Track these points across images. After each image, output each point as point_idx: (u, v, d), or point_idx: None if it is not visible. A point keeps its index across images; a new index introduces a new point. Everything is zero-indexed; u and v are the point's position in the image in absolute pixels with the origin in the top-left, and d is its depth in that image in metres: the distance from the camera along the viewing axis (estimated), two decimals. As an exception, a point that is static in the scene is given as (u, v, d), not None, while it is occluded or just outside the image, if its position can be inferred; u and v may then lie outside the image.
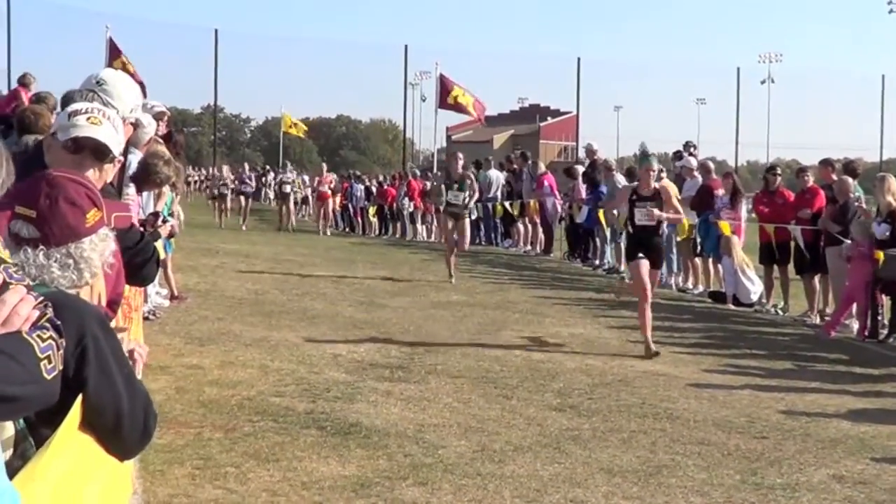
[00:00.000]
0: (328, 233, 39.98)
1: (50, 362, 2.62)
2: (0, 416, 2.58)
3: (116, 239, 3.32)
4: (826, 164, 19.48)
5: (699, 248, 21.66)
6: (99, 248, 3.13)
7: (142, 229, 6.17)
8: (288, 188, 41.70)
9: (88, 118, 4.72)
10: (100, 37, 34.12)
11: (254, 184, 47.78)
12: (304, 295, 18.60)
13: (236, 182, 44.75)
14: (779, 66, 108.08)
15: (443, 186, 21.93)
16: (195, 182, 73.87)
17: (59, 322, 2.73)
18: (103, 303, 3.58)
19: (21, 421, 2.63)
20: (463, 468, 8.43)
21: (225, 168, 51.30)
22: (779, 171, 21.34)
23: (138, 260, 5.34)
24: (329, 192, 42.02)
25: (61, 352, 2.69)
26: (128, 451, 3.15)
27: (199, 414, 9.79)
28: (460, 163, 22.35)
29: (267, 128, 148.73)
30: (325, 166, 47.78)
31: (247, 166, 49.05)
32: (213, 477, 7.94)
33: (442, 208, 22.32)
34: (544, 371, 12.57)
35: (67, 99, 6.32)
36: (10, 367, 2.47)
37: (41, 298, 2.72)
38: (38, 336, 2.60)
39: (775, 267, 19.67)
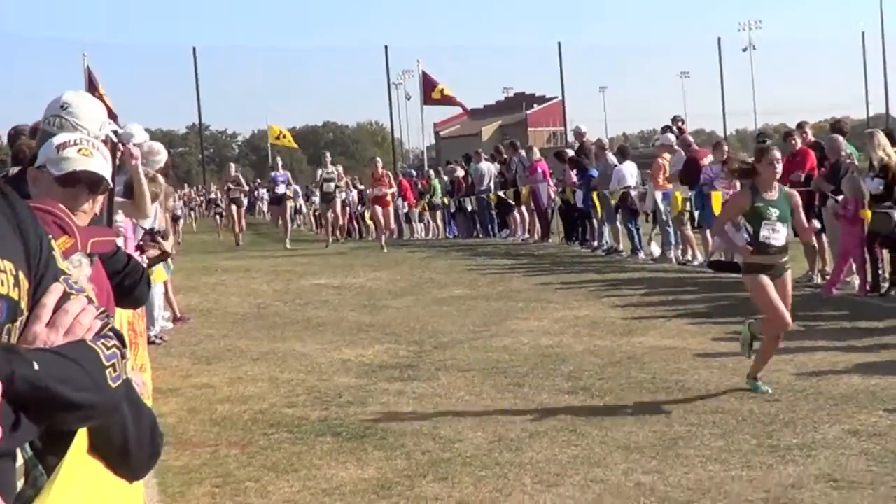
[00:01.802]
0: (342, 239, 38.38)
1: (115, 371, 2.62)
2: (67, 424, 2.58)
3: (101, 263, 3.32)
4: (799, 127, 19.66)
5: (696, 220, 21.66)
6: (73, 275, 3.13)
7: (129, 253, 6.17)
8: (332, 186, 34.92)
9: (80, 150, 4.72)
10: (78, 66, 34.16)
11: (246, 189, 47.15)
12: (307, 304, 18.60)
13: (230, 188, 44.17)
14: (759, 32, 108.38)
15: None
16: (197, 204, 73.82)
17: (121, 332, 2.74)
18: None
19: (28, 448, 2.63)
20: (481, 459, 8.44)
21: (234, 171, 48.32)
22: (768, 141, 21.41)
23: (128, 283, 5.34)
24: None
25: (125, 361, 2.70)
26: (136, 472, 3.15)
27: (213, 432, 9.80)
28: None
29: (254, 141, 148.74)
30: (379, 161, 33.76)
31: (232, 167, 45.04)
32: (234, 493, 7.94)
33: None
34: (553, 356, 12.59)
35: (35, 129, 6.32)
36: (77, 373, 2.48)
37: (102, 309, 2.73)
38: (103, 344, 2.61)
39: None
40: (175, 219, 45.67)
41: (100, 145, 4.99)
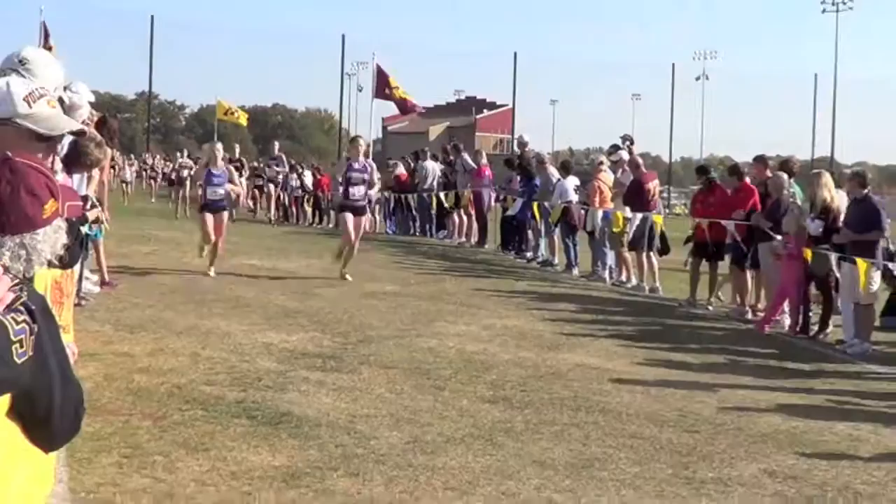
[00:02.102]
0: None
1: (22, 346, 2.56)
2: None
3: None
4: (760, 161, 19.62)
5: (632, 241, 21.70)
6: (51, 240, 3.03)
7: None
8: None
9: (49, 102, 4.53)
10: (34, 20, 33.82)
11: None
12: (237, 283, 18.47)
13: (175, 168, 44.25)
14: (714, 62, 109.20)
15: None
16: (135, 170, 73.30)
17: (33, 307, 2.65)
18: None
19: None
20: (394, 459, 8.38)
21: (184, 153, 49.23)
22: (713, 174, 21.53)
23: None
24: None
25: (34, 337, 2.62)
26: (54, 443, 3.08)
27: (127, 402, 9.68)
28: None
29: (202, 115, 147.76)
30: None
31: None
32: (141, 466, 7.85)
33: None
34: (477, 363, 12.54)
35: None
36: None
37: (17, 281, 2.65)
38: (13, 318, 2.54)
39: (704, 263, 19.78)
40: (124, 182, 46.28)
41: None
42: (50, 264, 3.02)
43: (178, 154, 44.29)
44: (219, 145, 22.23)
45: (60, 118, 4.46)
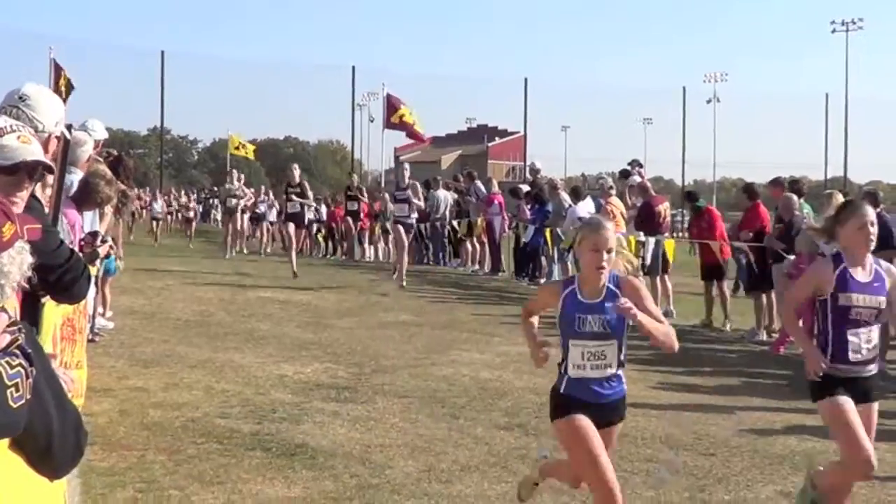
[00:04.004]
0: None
1: (17, 391, 2.55)
2: None
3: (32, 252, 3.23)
4: (776, 183, 19.60)
5: (645, 267, 21.71)
6: (17, 262, 3.04)
7: (73, 247, 6.04)
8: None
9: (19, 137, 4.60)
10: (44, 60, 33.92)
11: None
12: (251, 316, 18.47)
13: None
14: (724, 85, 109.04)
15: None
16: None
17: (30, 351, 2.65)
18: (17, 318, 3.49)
19: None
20: (410, 489, 8.37)
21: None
22: (700, 201, 22.00)
23: (68, 277, 5.23)
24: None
25: (30, 381, 2.61)
26: (58, 470, 3.08)
27: (142, 436, 9.69)
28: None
29: (214, 149, 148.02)
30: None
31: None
32: (157, 500, 7.85)
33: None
34: (492, 390, 12.53)
35: None
36: None
37: (13, 322, 2.65)
38: (7, 363, 2.53)
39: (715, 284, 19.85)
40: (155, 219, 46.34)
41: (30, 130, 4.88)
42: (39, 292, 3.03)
43: (229, 180, 40.35)
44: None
45: (17, 149, 4.50)
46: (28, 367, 2.60)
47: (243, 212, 37.52)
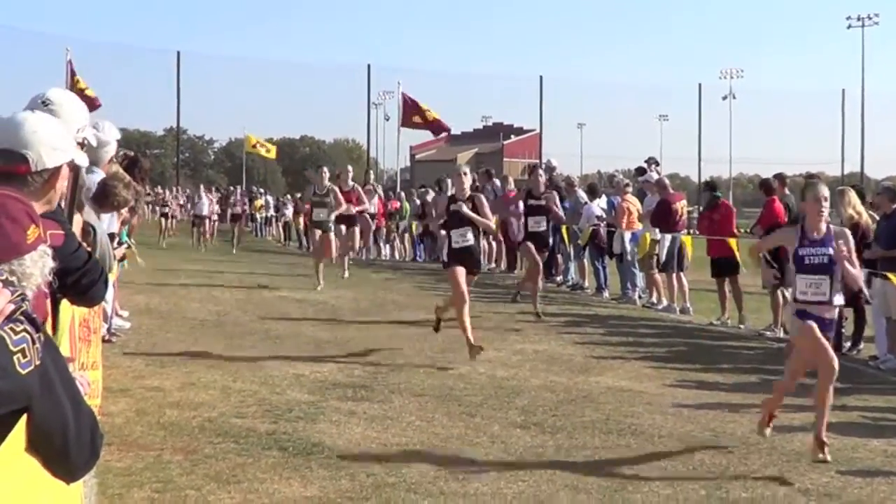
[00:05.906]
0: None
1: (24, 356, 2.54)
2: None
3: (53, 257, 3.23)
4: (779, 178, 19.60)
5: (661, 263, 21.69)
6: (39, 265, 3.05)
7: (90, 250, 6.05)
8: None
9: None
10: (60, 61, 34.08)
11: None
12: (267, 315, 18.47)
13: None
14: (740, 81, 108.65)
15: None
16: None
17: (35, 315, 2.65)
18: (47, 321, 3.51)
19: None
20: (426, 487, 8.36)
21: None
22: (719, 192, 21.93)
23: (86, 280, 5.23)
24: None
25: (37, 346, 2.61)
26: (75, 473, 3.08)
27: (159, 436, 9.69)
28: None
29: (230, 149, 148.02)
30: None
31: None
32: (173, 500, 7.85)
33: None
34: (508, 388, 12.51)
35: None
36: None
37: (17, 293, 2.65)
38: (11, 329, 2.53)
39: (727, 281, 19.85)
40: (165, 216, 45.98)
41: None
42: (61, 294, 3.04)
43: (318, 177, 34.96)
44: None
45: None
46: (34, 333, 2.59)
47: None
